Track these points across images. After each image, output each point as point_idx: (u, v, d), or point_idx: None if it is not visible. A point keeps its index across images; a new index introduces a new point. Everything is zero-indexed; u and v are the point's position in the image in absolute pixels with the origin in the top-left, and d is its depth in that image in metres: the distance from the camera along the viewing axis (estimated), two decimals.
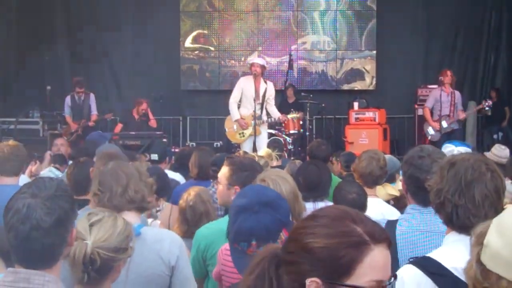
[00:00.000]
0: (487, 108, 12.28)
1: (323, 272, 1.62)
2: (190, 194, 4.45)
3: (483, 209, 2.49)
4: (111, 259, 2.51)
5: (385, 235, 1.67)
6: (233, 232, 2.59)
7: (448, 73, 11.97)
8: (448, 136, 10.75)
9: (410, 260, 2.62)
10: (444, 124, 11.72)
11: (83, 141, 8.06)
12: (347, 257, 1.61)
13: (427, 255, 2.61)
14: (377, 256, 1.62)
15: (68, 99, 12.74)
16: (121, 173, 3.36)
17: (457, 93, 11.99)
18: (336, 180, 5.82)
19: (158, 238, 3.30)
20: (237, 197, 2.79)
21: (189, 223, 4.37)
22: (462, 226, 2.50)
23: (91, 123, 12.48)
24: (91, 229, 2.51)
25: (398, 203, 5.17)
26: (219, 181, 4.00)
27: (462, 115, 11.81)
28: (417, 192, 3.22)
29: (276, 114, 10.70)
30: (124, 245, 2.57)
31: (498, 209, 2.48)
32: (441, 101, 11.82)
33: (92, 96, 12.80)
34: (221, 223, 3.82)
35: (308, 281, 1.63)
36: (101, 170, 3.46)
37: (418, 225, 3.18)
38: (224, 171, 3.97)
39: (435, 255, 2.56)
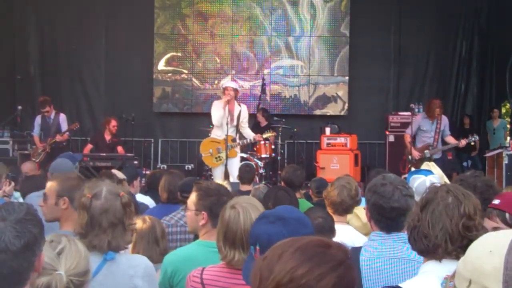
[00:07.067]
0: (472, 143, 11.86)
1: None
2: (144, 223, 4.23)
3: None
4: (81, 284, 2.55)
5: None
6: (250, 234, 2.76)
7: (437, 110, 11.10)
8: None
9: None
10: (427, 154, 11.09)
11: (52, 160, 7.90)
12: None
13: (400, 285, 2.61)
14: None
15: (38, 118, 12.52)
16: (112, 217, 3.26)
17: (444, 119, 11.35)
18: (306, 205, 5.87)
19: (132, 263, 3.30)
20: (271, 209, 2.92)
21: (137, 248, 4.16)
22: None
23: (58, 138, 12.07)
24: (60, 258, 2.54)
25: None
26: (188, 207, 3.98)
27: (453, 141, 11.16)
28: (380, 219, 3.28)
29: (250, 135, 10.64)
30: (89, 267, 2.63)
31: None
32: (423, 129, 11.28)
33: (62, 116, 12.52)
34: (189, 249, 3.83)
35: None
36: (96, 204, 3.29)
37: (381, 251, 3.24)
38: (192, 197, 3.96)
39: (408, 285, 2.57)
